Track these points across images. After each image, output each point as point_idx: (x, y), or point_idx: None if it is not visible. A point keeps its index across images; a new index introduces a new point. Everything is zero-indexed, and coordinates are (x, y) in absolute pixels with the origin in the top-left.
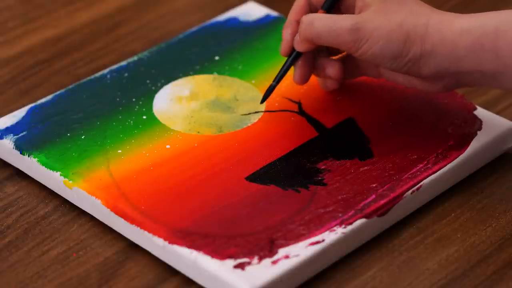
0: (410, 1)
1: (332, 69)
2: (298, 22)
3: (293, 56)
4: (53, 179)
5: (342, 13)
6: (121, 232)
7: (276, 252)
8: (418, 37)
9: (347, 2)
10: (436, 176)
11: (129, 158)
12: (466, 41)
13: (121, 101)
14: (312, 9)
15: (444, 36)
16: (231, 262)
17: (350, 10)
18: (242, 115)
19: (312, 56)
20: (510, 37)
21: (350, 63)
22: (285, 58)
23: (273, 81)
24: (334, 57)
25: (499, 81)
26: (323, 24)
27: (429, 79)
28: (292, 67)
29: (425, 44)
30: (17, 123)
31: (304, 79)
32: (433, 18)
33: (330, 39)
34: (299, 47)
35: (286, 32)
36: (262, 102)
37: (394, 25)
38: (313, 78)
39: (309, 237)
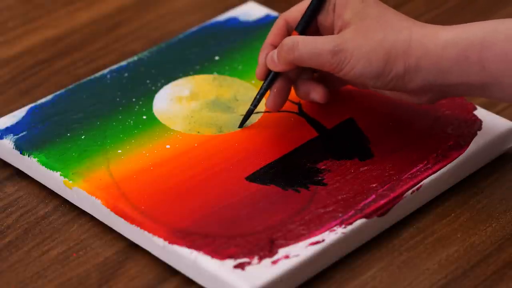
0: (390, 16)
1: (316, 94)
2: (274, 46)
3: (270, 79)
4: (53, 179)
5: (321, 33)
6: (121, 232)
7: (276, 252)
8: (400, 53)
9: (326, 22)
10: (436, 176)
11: (129, 158)
12: (451, 53)
13: (121, 101)
14: (290, 30)
15: (428, 49)
16: (231, 262)
17: (330, 30)
18: (242, 115)
19: (288, 83)
20: (498, 48)
21: (334, 76)
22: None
23: (251, 105)
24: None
25: (488, 92)
26: (306, 46)
27: (416, 92)
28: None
29: (408, 59)
30: (17, 123)
31: (277, 106)
32: (415, 32)
33: (312, 61)
34: (276, 68)
35: (262, 55)
36: (240, 126)
37: (374, 44)
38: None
39: (309, 237)
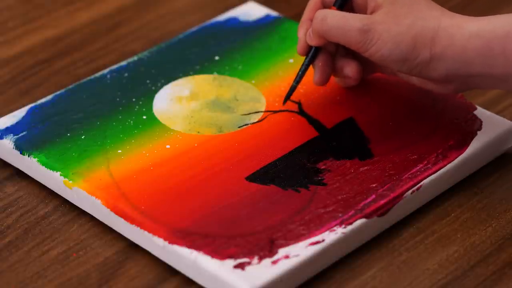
0: (421, 3)
1: (350, 69)
2: (312, 21)
3: (311, 54)
4: (53, 179)
5: (355, 12)
6: (121, 232)
7: (276, 252)
8: (427, 41)
9: (360, 1)
10: (436, 176)
11: (129, 158)
12: (476, 44)
13: (121, 101)
14: (325, 7)
15: (454, 39)
16: (231, 262)
17: (363, 9)
18: (242, 115)
19: (331, 57)
20: None
21: (366, 59)
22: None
23: (294, 81)
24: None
25: (511, 83)
26: (335, 21)
27: (440, 81)
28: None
29: (434, 47)
30: (17, 123)
31: (324, 80)
32: (443, 22)
33: (340, 37)
34: (310, 41)
35: (301, 31)
36: (284, 102)
37: (402, 29)
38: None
39: (309, 237)
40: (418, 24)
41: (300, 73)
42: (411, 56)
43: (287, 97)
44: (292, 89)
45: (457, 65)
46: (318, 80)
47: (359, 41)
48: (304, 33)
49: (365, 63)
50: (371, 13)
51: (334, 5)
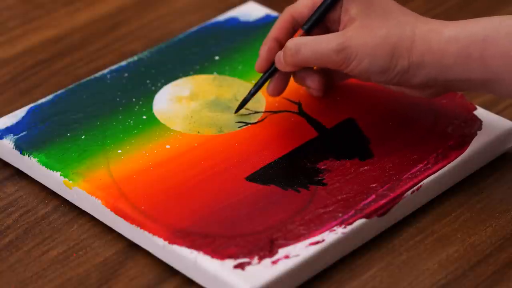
0: (395, 11)
1: (311, 81)
2: (277, 40)
3: (271, 71)
4: (53, 179)
5: (329, 28)
6: (121, 232)
7: (276, 252)
8: (404, 49)
9: (333, 16)
10: (436, 176)
11: (129, 158)
12: (453, 50)
13: (121, 101)
14: (295, 25)
15: (432, 45)
16: (231, 262)
17: (336, 24)
18: (242, 115)
19: (289, 73)
20: (499, 45)
21: (334, 70)
22: None
23: (248, 94)
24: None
25: (490, 88)
26: (309, 49)
27: (419, 87)
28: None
29: (412, 55)
30: (17, 123)
31: (278, 92)
32: (420, 28)
33: (317, 62)
34: (284, 69)
35: (264, 49)
36: (235, 112)
37: (378, 40)
38: None
39: (309, 237)
40: (393, 34)
41: (256, 87)
42: (390, 67)
43: (239, 108)
44: (246, 101)
45: (435, 71)
46: (272, 92)
47: (337, 61)
48: (266, 51)
49: (334, 73)
50: (345, 27)
51: (302, 27)
